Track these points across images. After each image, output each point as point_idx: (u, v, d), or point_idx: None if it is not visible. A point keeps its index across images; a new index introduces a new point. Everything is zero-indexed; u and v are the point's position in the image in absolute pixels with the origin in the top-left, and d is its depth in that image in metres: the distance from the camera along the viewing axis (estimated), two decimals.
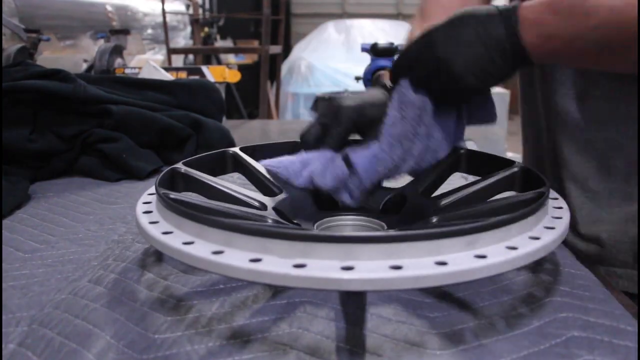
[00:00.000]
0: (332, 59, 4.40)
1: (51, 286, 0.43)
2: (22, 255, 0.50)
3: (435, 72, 0.47)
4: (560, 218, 0.40)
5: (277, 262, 0.31)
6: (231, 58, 4.56)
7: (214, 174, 0.54)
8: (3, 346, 0.35)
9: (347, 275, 0.30)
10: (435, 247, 0.32)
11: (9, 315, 0.39)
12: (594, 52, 0.43)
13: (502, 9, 0.45)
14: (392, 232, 0.33)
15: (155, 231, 0.38)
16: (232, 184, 0.51)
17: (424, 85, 0.48)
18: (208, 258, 0.33)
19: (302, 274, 0.30)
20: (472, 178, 0.59)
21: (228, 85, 1.71)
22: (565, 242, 0.57)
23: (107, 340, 0.35)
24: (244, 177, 0.58)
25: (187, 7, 4.06)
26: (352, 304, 0.38)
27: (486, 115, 0.53)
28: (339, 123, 0.49)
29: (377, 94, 0.51)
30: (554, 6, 0.43)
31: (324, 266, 0.31)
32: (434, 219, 0.44)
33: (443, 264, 0.31)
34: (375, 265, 0.31)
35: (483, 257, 0.32)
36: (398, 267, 0.30)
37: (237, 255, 0.32)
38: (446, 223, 0.43)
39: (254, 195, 0.50)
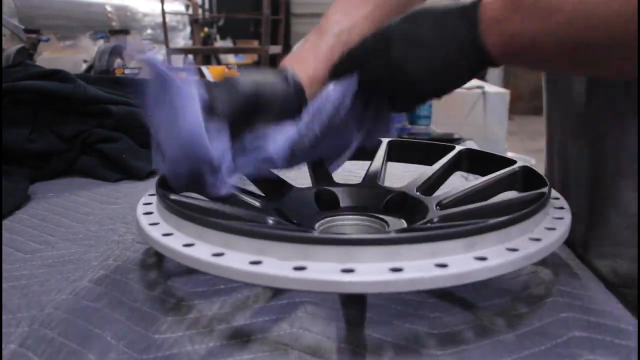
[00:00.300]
0: None
1: (51, 286, 0.43)
2: (22, 256, 0.50)
3: (388, 74, 0.44)
4: (562, 219, 0.40)
5: (277, 264, 0.31)
6: (231, 58, 4.56)
7: None
8: (3, 346, 0.35)
9: (347, 277, 0.30)
10: (436, 249, 0.32)
11: (9, 315, 0.39)
12: (561, 53, 0.39)
13: (461, 6, 0.42)
14: (392, 234, 0.33)
15: (155, 233, 0.38)
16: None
17: (374, 85, 0.46)
18: (208, 260, 0.33)
19: (302, 276, 0.30)
20: (472, 177, 0.59)
21: None
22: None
23: (107, 340, 0.35)
24: (243, 177, 0.58)
25: (187, 7, 4.06)
26: (353, 304, 0.38)
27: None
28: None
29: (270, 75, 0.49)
30: (517, 2, 0.39)
31: (324, 269, 0.31)
32: (435, 219, 0.44)
33: (443, 266, 0.31)
34: (375, 268, 0.31)
35: (483, 259, 0.32)
36: (398, 270, 0.30)
37: (237, 258, 0.32)
38: (446, 224, 0.43)
39: (254, 195, 0.50)
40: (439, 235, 0.32)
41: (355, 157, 0.55)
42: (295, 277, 0.30)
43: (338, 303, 0.39)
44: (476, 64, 0.42)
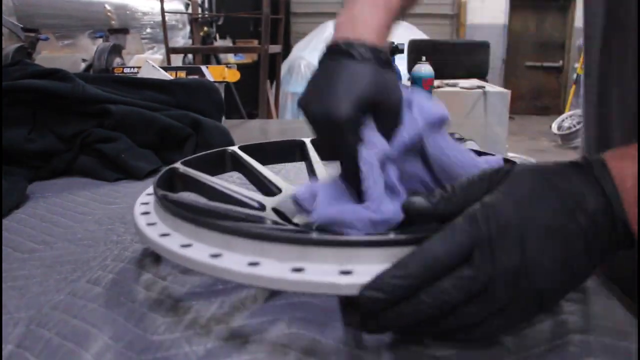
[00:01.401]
0: None
1: (50, 287, 0.43)
2: (21, 256, 0.50)
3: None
4: None
5: (275, 266, 0.31)
6: (230, 57, 4.56)
7: (213, 174, 0.54)
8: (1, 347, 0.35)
9: (345, 280, 0.30)
10: None
11: (7, 315, 0.39)
12: None
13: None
14: (390, 236, 0.33)
15: (153, 233, 0.38)
16: (231, 184, 0.51)
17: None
18: (206, 261, 0.33)
19: (299, 278, 0.30)
20: None
21: (227, 85, 1.71)
22: None
23: (105, 340, 0.35)
24: (243, 177, 0.58)
25: (186, 6, 4.06)
26: (351, 305, 0.38)
27: None
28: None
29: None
30: None
31: (322, 270, 0.31)
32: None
33: None
34: (373, 270, 0.31)
35: None
36: None
37: (235, 259, 0.32)
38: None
39: (253, 195, 0.50)
40: None
41: None
42: (293, 279, 0.30)
43: (336, 303, 0.39)
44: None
